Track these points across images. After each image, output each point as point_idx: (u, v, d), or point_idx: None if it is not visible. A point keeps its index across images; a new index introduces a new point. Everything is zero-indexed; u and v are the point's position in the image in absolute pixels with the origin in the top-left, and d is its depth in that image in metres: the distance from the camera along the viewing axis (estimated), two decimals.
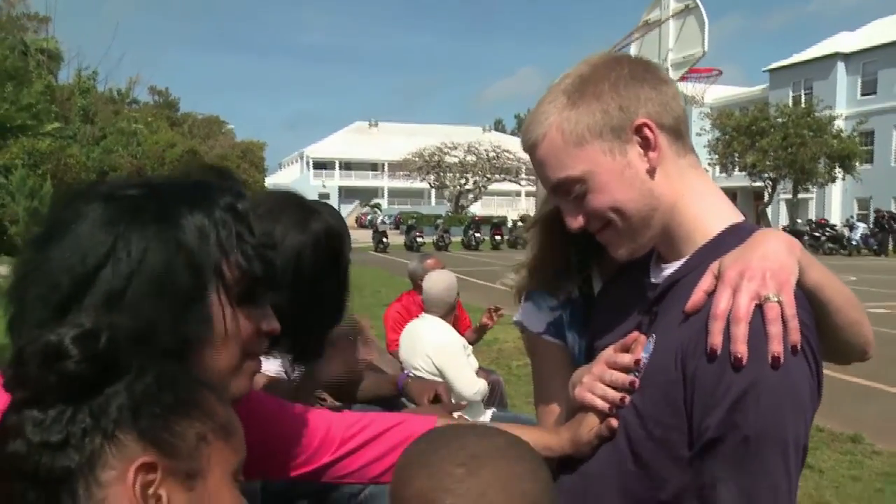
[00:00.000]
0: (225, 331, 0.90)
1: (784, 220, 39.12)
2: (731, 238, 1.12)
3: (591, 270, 1.54)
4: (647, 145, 1.13)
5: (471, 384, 4.14)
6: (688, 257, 1.16)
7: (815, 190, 38.25)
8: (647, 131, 1.12)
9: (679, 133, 1.16)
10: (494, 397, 4.62)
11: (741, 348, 0.97)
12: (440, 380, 4.07)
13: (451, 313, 4.35)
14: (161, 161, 27.21)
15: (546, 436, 1.31)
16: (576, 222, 1.18)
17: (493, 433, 0.93)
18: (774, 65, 45.83)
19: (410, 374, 2.29)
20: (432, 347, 4.15)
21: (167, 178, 0.97)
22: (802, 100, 40.49)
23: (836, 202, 41.20)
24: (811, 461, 4.97)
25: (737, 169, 36.10)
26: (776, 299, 0.99)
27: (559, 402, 1.39)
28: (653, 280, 1.22)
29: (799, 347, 0.98)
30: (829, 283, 1.07)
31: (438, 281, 4.35)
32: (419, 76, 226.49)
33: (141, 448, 0.73)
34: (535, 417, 1.61)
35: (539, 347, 1.55)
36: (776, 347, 0.96)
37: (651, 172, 1.13)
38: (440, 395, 2.09)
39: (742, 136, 34.40)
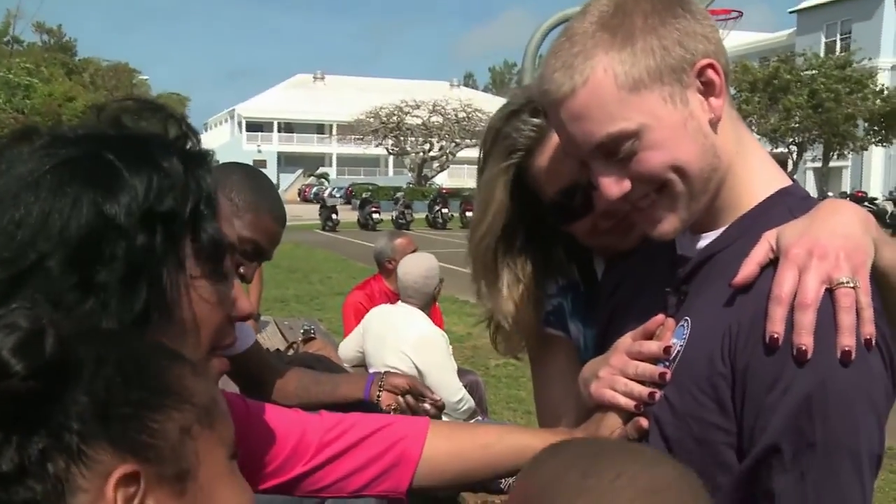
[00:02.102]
0: (187, 317, 0.92)
1: (812, 192, 39.47)
2: (780, 204, 1.14)
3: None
4: (709, 91, 1.11)
5: (457, 390, 4.17)
6: (727, 226, 1.17)
7: (850, 157, 38.84)
8: (710, 73, 1.10)
9: (728, 78, 1.16)
10: (474, 401, 4.70)
11: (807, 340, 0.97)
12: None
13: (431, 305, 4.40)
14: (56, 118, 26.66)
15: (556, 440, 1.33)
16: (620, 187, 1.13)
17: (660, 460, 0.89)
18: (804, 4, 46.02)
19: (381, 372, 2.28)
20: (412, 343, 4.17)
21: (110, 127, 0.97)
22: (838, 47, 40.92)
23: (876, 172, 41.75)
24: None
25: (755, 132, 36.45)
26: (851, 284, 0.99)
27: (567, 405, 1.40)
28: (681, 253, 1.23)
29: (874, 341, 0.99)
30: None
31: (415, 266, 4.39)
32: (375, 20, 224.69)
33: (117, 458, 0.73)
34: (518, 426, 1.64)
35: (540, 342, 1.57)
36: (848, 341, 0.96)
37: (714, 124, 1.12)
38: (418, 389, 2.10)
39: (761, 93, 34.71)
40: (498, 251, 1.50)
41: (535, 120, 1.40)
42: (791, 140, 35.58)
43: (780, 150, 36.87)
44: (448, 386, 4.13)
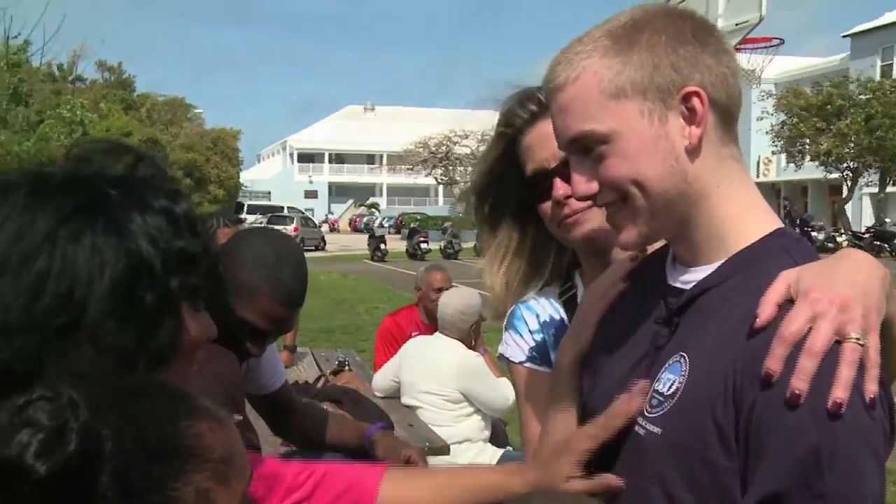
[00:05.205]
0: (186, 347, 0.96)
1: (868, 219, 38.76)
2: (776, 245, 1.15)
3: (573, 278, 1.66)
4: (691, 118, 1.13)
5: (505, 398, 4.36)
6: (723, 261, 1.17)
7: None
8: (696, 101, 1.13)
9: (730, 116, 1.18)
10: (500, 435, 4.74)
11: (803, 385, 0.97)
12: (413, 445, 4.22)
13: (470, 338, 4.50)
14: None
15: (505, 478, 1.40)
16: (588, 186, 1.18)
17: None
18: (857, 28, 45.14)
19: (380, 427, 2.39)
20: (454, 371, 4.33)
21: (95, 169, 0.97)
22: (894, 70, 40.19)
23: None
24: None
25: (807, 158, 35.89)
26: (862, 341, 0.99)
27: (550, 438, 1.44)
28: (672, 283, 1.24)
29: (876, 398, 1.00)
30: None
31: (455, 300, 4.52)
32: (428, 52, 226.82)
33: None
34: (473, 466, 1.71)
35: (521, 379, 1.63)
36: (842, 394, 0.97)
37: (690, 152, 1.14)
38: (413, 459, 2.20)
39: (814, 118, 34.18)
40: (487, 214, 1.68)
41: (532, 107, 1.56)
42: (846, 165, 34.91)
43: (834, 175, 36.24)
44: (496, 397, 4.35)
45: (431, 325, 5.21)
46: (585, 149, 1.17)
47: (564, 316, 1.62)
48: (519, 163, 1.60)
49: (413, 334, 5.12)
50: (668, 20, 1.16)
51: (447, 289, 5.24)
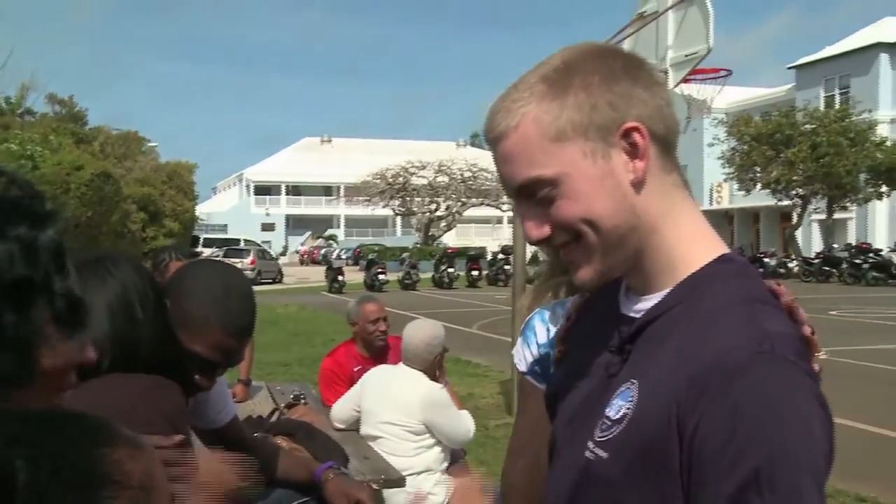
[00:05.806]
0: (43, 370, 0.94)
1: (817, 244, 39.61)
2: (720, 270, 1.17)
3: None
4: (634, 153, 1.15)
5: (467, 429, 4.46)
6: (671, 288, 1.19)
7: (854, 209, 38.90)
8: (636, 136, 1.15)
9: (669, 145, 1.21)
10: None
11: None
12: (365, 478, 4.23)
13: (433, 369, 4.51)
14: (65, 187, 26.83)
15: None
16: (539, 231, 1.20)
17: None
18: (802, 60, 46.51)
19: (333, 467, 2.39)
20: (419, 402, 4.35)
21: None
22: (837, 101, 41.28)
23: (880, 223, 41.52)
24: None
25: (759, 185, 36.64)
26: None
27: (529, 455, 1.48)
28: (624, 312, 1.25)
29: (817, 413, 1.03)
30: None
31: (420, 331, 4.52)
32: (382, 84, 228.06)
33: None
34: None
35: (521, 388, 1.71)
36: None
37: (636, 185, 1.16)
38: (362, 501, 2.23)
39: (764, 146, 34.95)
40: None
41: None
42: (795, 193, 35.68)
43: (784, 202, 36.97)
44: (458, 429, 4.44)
45: (372, 357, 5.19)
46: (532, 194, 1.18)
47: None
48: None
49: (355, 370, 5.07)
50: (599, 60, 1.18)
51: (384, 318, 5.26)
